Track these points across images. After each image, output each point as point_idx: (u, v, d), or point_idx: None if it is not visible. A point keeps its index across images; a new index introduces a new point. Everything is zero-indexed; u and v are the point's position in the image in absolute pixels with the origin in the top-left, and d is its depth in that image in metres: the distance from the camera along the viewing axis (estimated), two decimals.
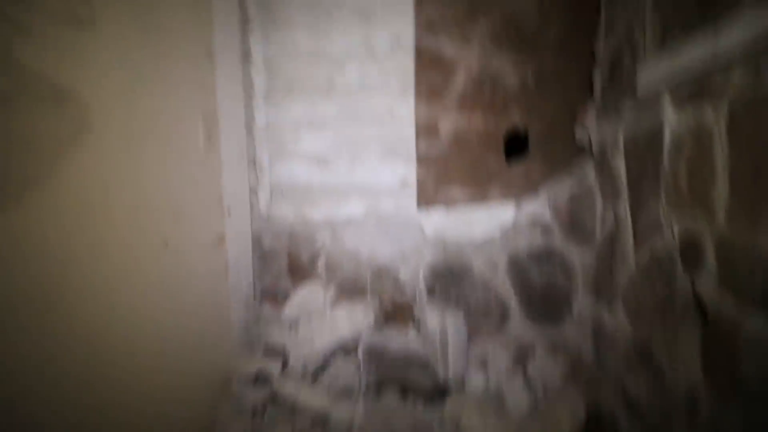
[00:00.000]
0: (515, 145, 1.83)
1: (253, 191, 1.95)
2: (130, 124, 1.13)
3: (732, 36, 0.79)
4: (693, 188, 0.99)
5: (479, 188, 1.83)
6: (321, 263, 1.91)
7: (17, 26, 0.83)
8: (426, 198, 1.85)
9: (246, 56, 1.86)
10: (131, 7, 1.15)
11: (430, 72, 1.78)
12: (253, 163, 1.93)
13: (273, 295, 1.98)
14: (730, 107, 0.85)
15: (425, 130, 1.81)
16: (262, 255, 1.94)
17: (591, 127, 1.63)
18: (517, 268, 1.82)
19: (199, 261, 1.47)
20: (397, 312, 1.91)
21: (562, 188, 1.76)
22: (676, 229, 1.05)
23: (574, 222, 1.75)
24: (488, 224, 1.82)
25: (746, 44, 0.76)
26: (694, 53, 0.92)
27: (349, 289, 1.92)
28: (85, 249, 0.98)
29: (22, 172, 0.84)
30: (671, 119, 1.06)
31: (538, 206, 1.79)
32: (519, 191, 1.80)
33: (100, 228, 1.03)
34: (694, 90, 0.96)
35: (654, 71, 1.11)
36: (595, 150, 1.62)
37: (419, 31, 1.75)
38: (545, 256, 1.77)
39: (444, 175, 1.83)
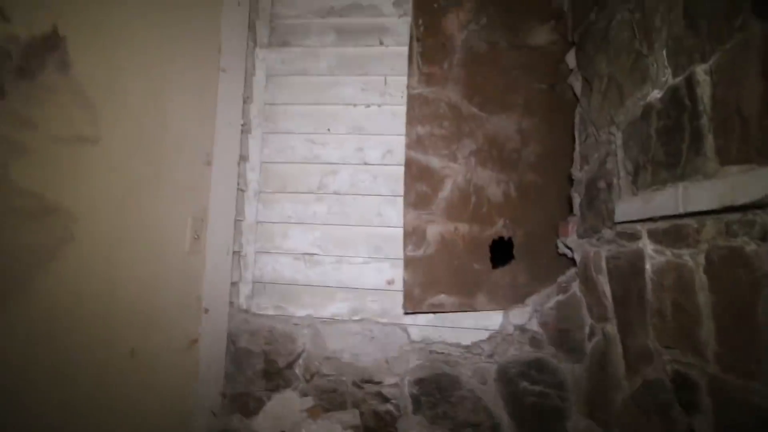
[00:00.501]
0: (501, 251, 1.87)
1: (234, 285, 1.89)
2: (116, 231, 1.12)
3: (699, 200, 0.86)
4: (680, 325, 0.99)
5: (466, 294, 1.81)
6: (300, 367, 1.78)
7: (16, 148, 0.85)
8: (412, 301, 1.82)
9: (243, 158, 1.94)
10: (138, 123, 1.20)
11: (419, 182, 1.87)
12: (237, 256, 1.90)
13: (244, 403, 1.81)
14: (707, 254, 0.89)
15: (413, 235, 1.84)
16: (236, 356, 1.81)
17: (573, 243, 1.69)
18: (508, 381, 1.73)
19: (167, 367, 1.36)
20: (379, 427, 1.75)
21: (549, 299, 1.76)
22: (668, 365, 1.03)
23: (563, 334, 1.72)
24: (476, 332, 1.77)
25: (714, 209, 0.82)
26: (665, 204, 0.99)
27: (329, 399, 1.78)
28: (49, 363, 0.90)
29: None
30: (651, 254, 1.11)
31: (526, 316, 1.77)
32: (506, 299, 1.79)
33: (66, 340, 0.95)
34: (670, 233, 1.02)
35: (629, 208, 1.19)
36: (578, 265, 1.66)
37: (409, 147, 1.87)
38: (536, 369, 1.70)
39: (431, 279, 1.82)
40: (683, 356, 0.97)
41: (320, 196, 1.93)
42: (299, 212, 1.93)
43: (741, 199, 0.77)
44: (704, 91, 0.96)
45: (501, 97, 1.92)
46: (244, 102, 1.94)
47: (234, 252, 1.85)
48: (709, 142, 0.93)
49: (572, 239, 1.69)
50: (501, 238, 1.86)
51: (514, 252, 1.85)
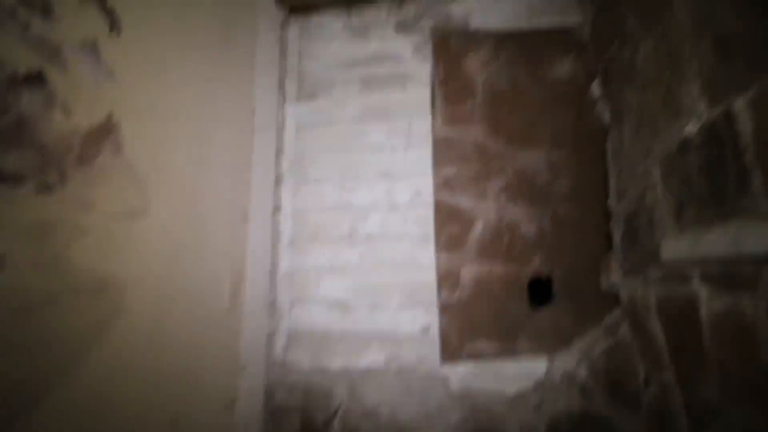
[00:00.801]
0: (540, 291, 1.79)
1: (270, 337, 1.91)
2: (161, 299, 1.18)
3: (755, 242, 0.80)
4: (746, 381, 0.90)
5: (506, 339, 1.74)
6: (338, 424, 1.75)
7: (77, 230, 0.93)
8: (450, 349, 1.76)
9: (276, 209, 2.01)
10: (181, 190, 1.29)
11: (449, 223, 1.86)
12: (272, 308, 1.93)
13: None
14: None
15: (446, 279, 1.81)
16: (272, 413, 1.80)
17: (617, 280, 1.60)
18: None
19: (206, 431, 1.37)
20: None
21: (597, 343, 1.65)
22: (738, 425, 0.93)
23: (615, 383, 1.60)
24: (519, 381, 1.68)
25: None
26: (717, 245, 0.93)
27: None
28: None
29: (42, 372, 0.84)
30: (705, 298, 1.03)
31: (573, 361, 1.66)
32: (549, 343, 1.70)
33: (110, 414, 0.99)
34: (726, 277, 0.94)
35: (676, 247, 1.12)
36: (625, 306, 1.56)
37: (438, 189, 1.88)
38: (589, 424, 1.58)
39: (468, 325, 1.77)
40: (754, 418, 0.87)
41: (352, 242, 1.95)
42: (331, 259, 1.95)
43: None
44: (745, 124, 0.92)
45: (527, 131, 1.90)
46: (276, 155, 2.04)
47: (269, 303, 1.88)
48: (757, 179, 0.88)
49: (616, 277, 1.60)
50: (539, 278, 1.79)
51: (554, 291, 1.77)
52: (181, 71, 1.29)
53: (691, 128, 1.10)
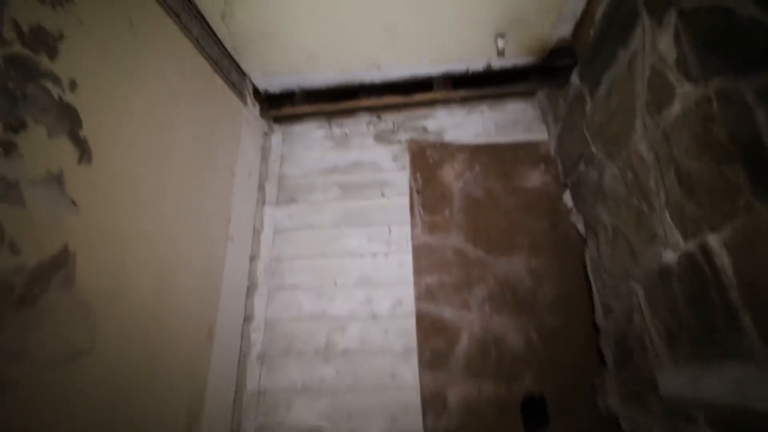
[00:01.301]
0: (534, 413, 1.64)
1: None
2: None
3: (760, 397, 0.74)
4: None
5: None
6: None
7: (4, 385, 0.78)
8: None
9: (248, 319, 1.86)
10: (137, 319, 1.16)
11: (433, 336, 1.75)
12: None
13: None
14: None
15: (432, 402, 1.65)
16: None
17: (616, 407, 1.48)
18: None
19: None
20: None
21: None
22: None
23: None
24: None
25: None
26: (719, 391, 0.87)
27: None
28: None
29: None
30: None
31: None
32: None
33: None
34: (735, 427, 0.86)
35: (676, 383, 1.05)
36: None
37: (419, 298, 1.81)
38: None
39: None
40: None
41: (328, 357, 1.80)
42: (305, 377, 1.77)
43: None
44: (724, 262, 0.92)
45: (506, 238, 1.92)
46: (251, 260, 1.95)
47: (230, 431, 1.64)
48: (747, 322, 0.85)
49: (613, 400, 1.49)
50: (532, 397, 1.65)
51: (550, 414, 1.62)
52: (155, 191, 1.26)
53: (670, 256, 1.10)
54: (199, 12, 1.53)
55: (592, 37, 1.50)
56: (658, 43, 1.10)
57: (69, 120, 0.97)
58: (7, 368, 0.80)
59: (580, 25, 1.62)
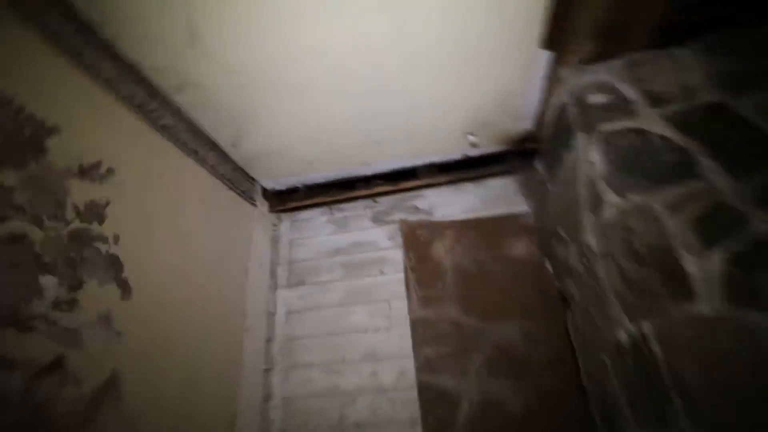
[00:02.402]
0: None
1: None
2: None
3: None
4: None
5: None
6: None
7: None
8: None
9: (266, 398, 2.04)
10: (168, 420, 1.36)
11: (435, 405, 1.88)
12: None
13: None
14: None
15: None
16: None
17: None
18: None
19: None
20: None
21: None
22: None
23: None
24: None
25: None
26: None
27: None
28: None
29: None
30: None
31: None
32: None
33: None
34: None
35: None
36: None
37: (420, 369, 1.96)
38: None
39: None
40: None
41: (341, 430, 1.94)
42: None
43: None
44: (656, 349, 1.07)
45: (497, 306, 2.07)
46: (267, 342, 2.15)
47: None
48: (678, 405, 0.99)
49: None
50: None
51: None
52: (181, 305, 1.50)
53: (623, 336, 1.25)
54: (214, 144, 1.85)
55: (546, 136, 1.73)
56: (589, 155, 1.32)
57: (114, 267, 1.24)
58: None
59: (539, 123, 1.86)
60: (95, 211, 1.20)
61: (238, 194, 2.06)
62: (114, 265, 1.24)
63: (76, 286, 1.11)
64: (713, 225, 1.05)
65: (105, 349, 1.16)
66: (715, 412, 0.93)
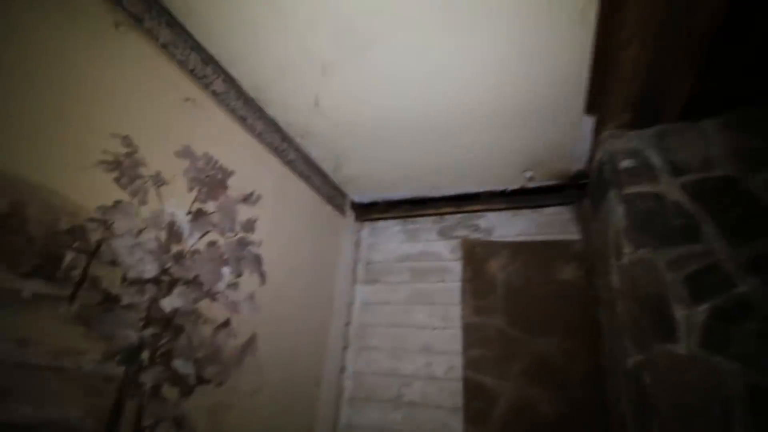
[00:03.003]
0: None
1: None
2: None
3: None
4: None
5: None
6: None
7: (229, 406, 1.61)
8: None
9: (342, 370, 2.60)
10: (281, 372, 1.96)
11: (476, 399, 2.27)
12: None
13: None
14: None
15: None
16: None
17: None
18: None
19: None
20: None
21: None
22: None
23: None
24: None
25: None
26: None
27: None
28: None
29: None
30: None
31: None
32: None
33: None
34: None
35: None
36: None
37: (466, 368, 2.36)
38: None
39: None
40: None
41: (397, 405, 2.43)
42: (381, 419, 2.42)
43: None
44: (646, 377, 1.36)
45: (541, 322, 2.37)
46: (346, 325, 2.72)
47: None
48: (656, 427, 1.28)
49: None
50: None
51: None
52: (293, 291, 2.10)
53: (630, 363, 1.54)
54: (320, 170, 2.43)
55: (591, 181, 2.00)
56: (617, 209, 1.60)
57: (258, 263, 1.85)
58: (232, 398, 1.63)
59: (590, 164, 2.12)
60: (250, 225, 1.82)
61: (333, 207, 2.64)
62: (258, 261, 1.85)
63: (239, 274, 1.73)
64: (704, 283, 1.31)
65: (250, 317, 1.78)
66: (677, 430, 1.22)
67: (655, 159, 1.54)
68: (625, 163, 1.57)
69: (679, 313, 1.30)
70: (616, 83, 1.40)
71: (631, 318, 1.49)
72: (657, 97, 1.44)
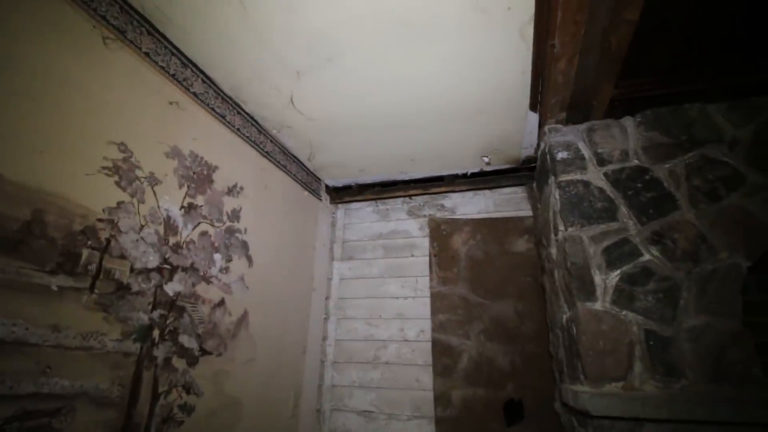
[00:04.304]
0: (513, 412, 2.43)
1: None
2: (257, 412, 2.03)
3: (600, 407, 1.54)
4: None
5: None
6: None
7: (228, 373, 1.85)
8: None
9: (324, 338, 2.89)
10: (272, 342, 2.21)
11: (443, 356, 2.62)
12: (318, 414, 2.70)
13: None
14: None
15: (441, 398, 2.52)
16: None
17: (558, 408, 2.23)
18: None
19: None
20: None
21: None
22: None
23: None
24: None
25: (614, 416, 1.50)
26: (571, 399, 1.66)
27: None
28: None
29: None
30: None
31: None
32: None
33: None
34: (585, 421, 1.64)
35: (568, 396, 1.83)
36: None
37: (434, 330, 2.69)
38: None
39: None
40: None
41: (375, 366, 2.75)
42: (361, 377, 2.74)
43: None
44: (573, 328, 1.70)
45: (498, 288, 2.72)
46: (326, 299, 2.98)
47: (316, 410, 2.66)
48: (579, 367, 1.63)
49: (558, 405, 2.24)
50: (512, 400, 2.45)
51: (525, 412, 2.40)
52: (278, 273, 2.32)
53: (563, 319, 1.88)
54: (296, 159, 2.60)
55: (537, 167, 2.29)
56: (554, 194, 1.90)
57: (245, 248, 2.05)
58: (230, 365, 1.87)
59: (536, 151, 2.40)
60: (235, 214, 2.00)
61: (310, 192, 2.83)
62: (245, 246, 2.05)
63: (229, 259, 1.93)
64: (617, 253, 1.63)
65: (241, 296, 2.00)
66: (593, 368, 1.56)
67: (585, 151, 1.83)
68: (561, 155, 1.85)
69: (598, 278, 1.63)
70: (552, 88, 1.65)
71: (563, 283, 1.81)
72: (585, 99, 1.71)
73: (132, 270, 1.44)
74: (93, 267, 1.31)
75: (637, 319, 1.57)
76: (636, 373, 1.48)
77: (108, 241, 1.37)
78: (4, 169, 1.12)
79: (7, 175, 1.12)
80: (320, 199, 2.99)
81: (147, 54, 1.59)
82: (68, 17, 1.34)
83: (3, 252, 1.09)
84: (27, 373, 1.12)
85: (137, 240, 1.47)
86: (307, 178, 2.80)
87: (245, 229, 2.07)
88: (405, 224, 3.10)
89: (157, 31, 1.63)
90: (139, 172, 1.52)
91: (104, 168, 1.39)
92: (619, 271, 1.62)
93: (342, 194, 3.13)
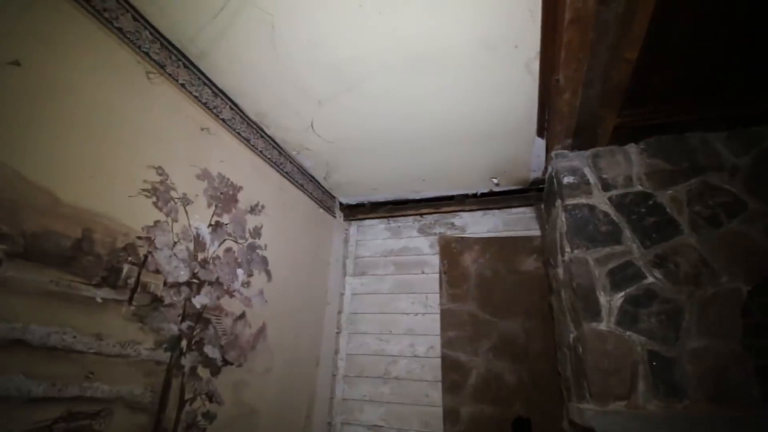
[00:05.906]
0: (520, 429, 2.46)
1: None
2: (274, 422, 2.11)
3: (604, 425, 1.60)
4: None
5: None
6: None
7: (247, 383, 1.94)
8: None
9: (336, 352, 2.97)
10: (288, 354, 2.30)
11: (452, 373, 2.68)
12: (329, 427, 2.76)
13: None
14: None
15: (450, 414, 2.56)
16: None
17: (566, 427, 2.26)
18: None
19: None
20: None
21: None
22: None
23: None
24: None
25: None
26: (579, 417, 1.71)
27: None
28: None
29: None
30: None
31: None
32: None
33: None
34: None
35: (574, 414, 1.87)
36: None
37: (444, 346, 2.75)
38: None
39: None
40: None
41: (385, 381, 2.81)
42: (371, 392, 2.80)
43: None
44: (579, 347, 1.76)
45: (507, 306, 2.78)
46: (338, 313, 3.07)
47: (327, 423, 2.73)
48: (585, 385, 1.68)
49: (566, 424, 2.27)
50: (521, 418, 2.48)
51: (533, 430, 2.43)
52: (293, 286, 2.43)
53: (571, 338, 1.94)
54: (313, 178, 2.74)
55: (545, 189, 2.37)
56: (561, 217, 1.98)
57: (264, 263, 2.16)
58: (249, 376, 1.96)
59: (544, 173, 2.49)
60: (257, 231, 2.13)
61: (325, 209, 2.95)
62: (264, 262, 2.16)
63: (250, 274, 2.04)
64: (621, 276, 1.70)
65: (260, 309, 2.10)
66: (598, 387, 1.62)
67: (590, 176, 1.92)
68: (567, 179, 1.94)
69: (603, 299, 1.69)
70: (557, 116, 1.75)
71: (570, 303, 1.88)
72: (589, 127, 1.81)
73: (165, 284, 1.56)
74: (132, 281, 1.43)
75: (640, 340, 1.63)
76: (639, 392, 1.53)
77: (145, 257, 1.49)
78: (62, 192, 1.25)
79: (63, 198, 1.26)
80: (334, 216, 3.10)
81: (183, 85, 1.74)
82: (117, 54, 1.50)
83: (58, 266, 1.22)
84: (73, 378, 1.23)
85: (171, 256, 1.59)
86: (322, 196, 2.93)
87: (265, 245, 2.19)
88: (416, 242, 3.19)
89: (192, 63, 1.78)
90: (173, 193, 1.65)
91: (144, 190, 1.53)
92: (623, 293, 1.68)
93: (355, 211, 3.24)
